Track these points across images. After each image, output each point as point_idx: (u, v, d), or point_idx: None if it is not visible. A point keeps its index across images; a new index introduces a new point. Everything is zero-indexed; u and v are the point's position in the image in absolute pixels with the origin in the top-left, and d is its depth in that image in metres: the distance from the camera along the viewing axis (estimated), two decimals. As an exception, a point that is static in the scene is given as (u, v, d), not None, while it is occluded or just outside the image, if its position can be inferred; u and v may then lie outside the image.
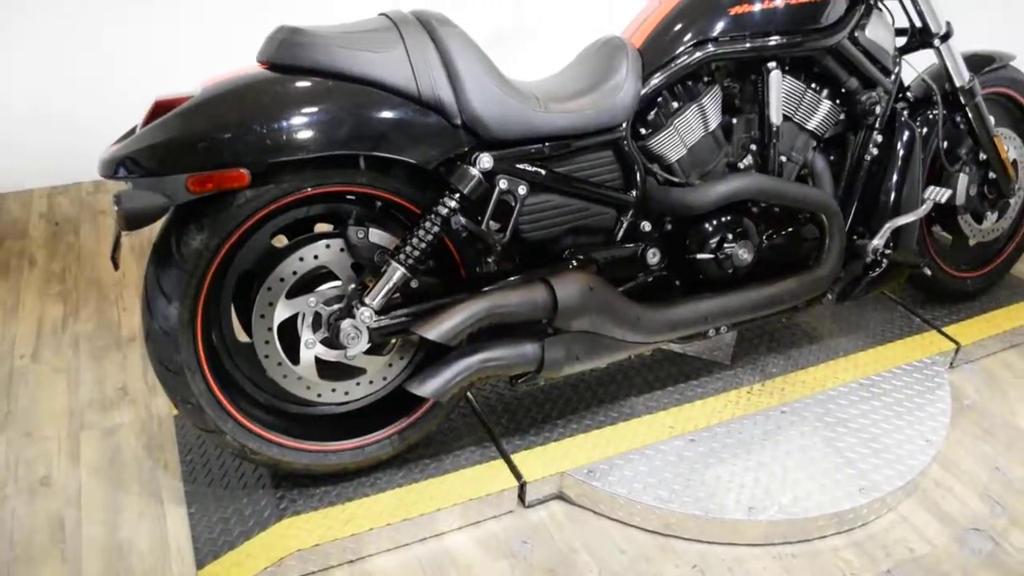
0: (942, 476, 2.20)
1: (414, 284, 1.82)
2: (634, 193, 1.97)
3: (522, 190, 1.82)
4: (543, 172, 1.85)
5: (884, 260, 2.24)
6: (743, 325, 2.17)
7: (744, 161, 2.12)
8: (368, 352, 1.85)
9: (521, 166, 1.82)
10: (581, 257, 1.95)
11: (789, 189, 2.10)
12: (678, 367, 2.41)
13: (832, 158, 2.30)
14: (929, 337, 2.62)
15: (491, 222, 1.82)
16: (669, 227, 2.08)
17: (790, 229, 2.21)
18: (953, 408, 2.38)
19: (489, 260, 1.86)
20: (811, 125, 2.19)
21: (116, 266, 1.74)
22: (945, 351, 2.58)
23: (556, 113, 1.82)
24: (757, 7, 2.02)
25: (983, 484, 2.19)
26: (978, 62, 2.54)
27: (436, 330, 1.70)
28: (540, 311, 1.79)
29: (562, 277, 1.82)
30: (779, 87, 2.07)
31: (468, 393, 2.23)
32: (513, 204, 1.83)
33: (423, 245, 1.75)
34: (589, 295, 1.81)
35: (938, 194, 2.24)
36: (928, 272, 2.37)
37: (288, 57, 1.65)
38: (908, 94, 2.43)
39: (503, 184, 1.80)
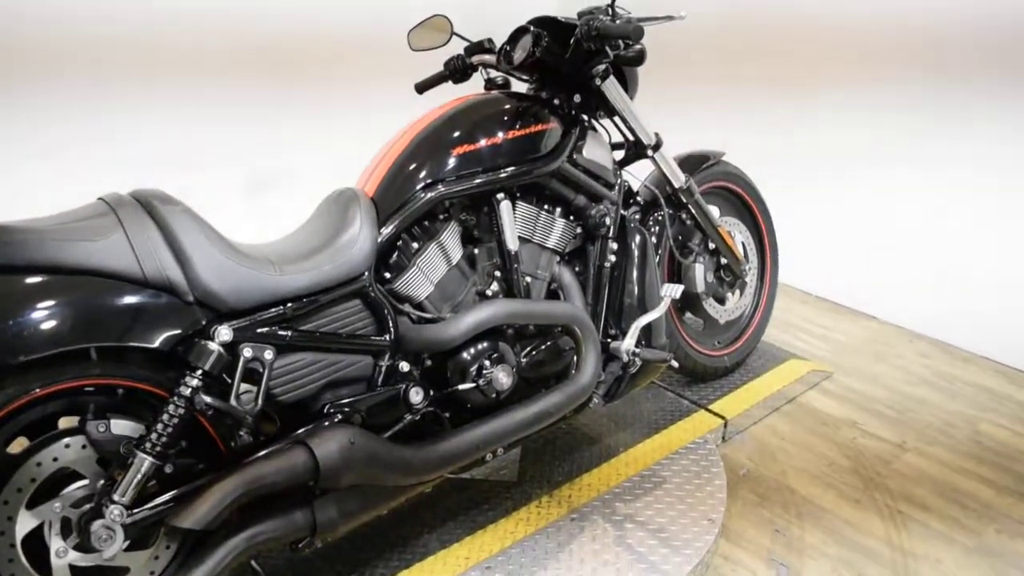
0: (729, 550, 2.32)
1: (168, 469, 1.74)
2: (387, 337, 2.00)
3: (269, 355, 1.80)
4: (289, 333, 1.84)
5: (637, 358, 2.38)
6: (519, 444, 2.22)
7: (491, 288, 2.21)
8: (129, 549, 1.74)
9: (264, 331, 1.80)
10: (346, 409, 1.94)
11: (537, 308, 2.20)
12: (467, 494, 2.42)
13: (577, 269, 2.44)
14: (699, 417, 2.79)
15: (242, 392, 1.78)
16: (428, 363, 2.11)
17: (547, 344, 2.30)
18: (729, 481, 2.52)
19: (245, 431, 1.81)
20: (550, 243, 2.32)
21: None
22: (715, 427, 2.75)
23: (293, 274, 1.83)
24: (480, 144, 2.13)
25: (767, 549, 2.32)
26: (694, 162, 2.81)
27: (191, 518, 1.62)
28: (303, 475, 1.75)
29: (320, 436, 1.79)
30: (510, 215, 2.19)
31: (252, 562, 2.14)
32: (261, 370, 1.79)
33: (169, 430, 1.68)
34: (351, 449, 1.80)
35: (672, 290, 2.40)
36: (676, 365, 2.54)
37: None
38: (638, 199, 2.64)
39: (247, 352, 1.77)
